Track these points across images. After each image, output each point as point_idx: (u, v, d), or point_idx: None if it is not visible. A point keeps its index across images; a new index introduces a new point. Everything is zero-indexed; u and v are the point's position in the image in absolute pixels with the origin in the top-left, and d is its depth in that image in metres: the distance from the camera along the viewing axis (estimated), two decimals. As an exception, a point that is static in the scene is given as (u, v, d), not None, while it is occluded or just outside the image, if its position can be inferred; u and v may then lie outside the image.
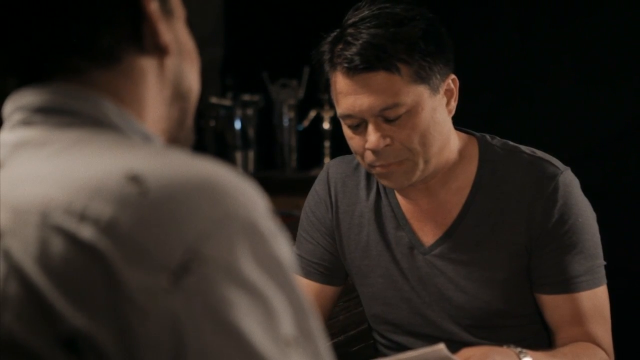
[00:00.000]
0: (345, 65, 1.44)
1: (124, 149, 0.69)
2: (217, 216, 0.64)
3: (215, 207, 0.64)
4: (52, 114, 0.72)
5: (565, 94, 2.93)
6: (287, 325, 0.65)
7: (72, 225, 0.63)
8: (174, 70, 0.79)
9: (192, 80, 0.82)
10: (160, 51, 0.77)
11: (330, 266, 1.66)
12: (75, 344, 0.62)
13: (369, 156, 1.47)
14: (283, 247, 0.67)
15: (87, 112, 0.72)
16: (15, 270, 0.63)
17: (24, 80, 0.75)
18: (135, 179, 0.64)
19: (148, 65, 0.77)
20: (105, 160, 0.67)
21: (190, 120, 0.83)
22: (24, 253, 0.63)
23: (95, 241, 0.62)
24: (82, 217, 0.63)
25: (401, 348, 1.62)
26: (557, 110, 2.94)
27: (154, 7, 0.76)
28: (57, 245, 0.63)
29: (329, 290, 1.67)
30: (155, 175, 0.64)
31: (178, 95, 0.80)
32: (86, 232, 0.63)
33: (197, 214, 0.63)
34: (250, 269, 0.64)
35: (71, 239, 0.63)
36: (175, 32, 0.79)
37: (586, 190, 1.55)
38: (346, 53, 1.44)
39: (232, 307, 0.62)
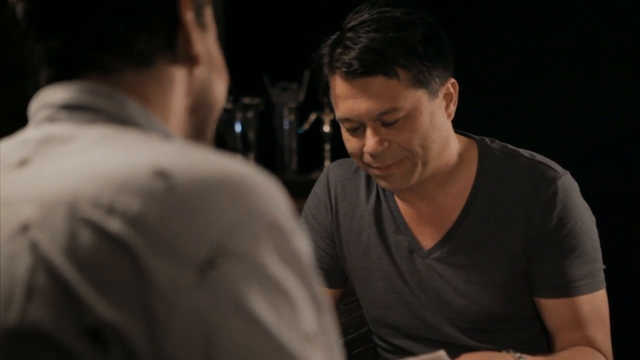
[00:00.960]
0: (344, 69, 1.44)
1: (149, 145, 0.70)
2: (242, 213, 0.65)
3: (240, 203, 0.65)
4: (77, 111, 0.74)
5: (565, 98, 2.93)
6: (308, 320, 0.67)
7: (100, 218, 0.64)
8: (202, 80, 0.81)
9: (219, 93, 0.84)
10: (191, 60, 0.79)
11: (330, 269, 1.66)
12: (102, 336, 0.62)
13: (367, 158, 1.48)
14: (304, 244, 0.69)
15: (111, 110, 0.74)
16: (43, 262, 0.64)
17: (57, 73, 0.77)
18: (162, 175, 0.65)
19: (178, 73, 0.79)
20: (132, 156, 0.68)
21: (211, 131, 0.85)
22: (52, 245, 0.64)
23: (124, 234, 0.63)
24: (110, 210, 0.64)
25: (401, 351, 1.62)
26: (557, 114, 2.94)
27: (190, 17, 0.78)
28: (85, 237, 0.64)
29: (329, 293, 1.67)
30: (181, 171, 0.66)
31: (203, 105, 0.82)
32: (114, 225, 0.63)
33: (223, 211, 0.65)
34: (274, 265, 0.65)
35: (99, 231, 0.64)
36: (207, 45, 0.82)
37: (586, 194, 1.55)
38: (345, 57, 1.44)
39: (257, 301, 0.64)
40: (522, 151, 1.56)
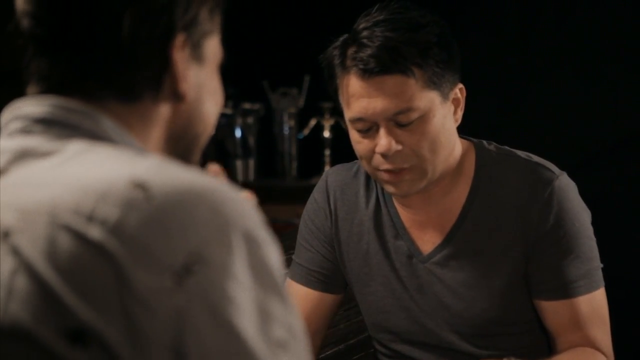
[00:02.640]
0: (361, 67, 1.42)
1: (125, 158, 0.73)
2: (218, 223, 0.68)
3: (215, 214, 0.69)
4: (53, 126, 0.76)
5: (565, 102, 2.93)
6: (279, 328, 0.70)
7: (81, 225, 0.67)
8: (187, 114, 0.83)
9: (206, 122, 0.85)
10: (177, 98, 0.81)
11: (329, 274, 1.66)
12: (82, 337, 0.65)
13: (377, 159, 1.46)
14: (275, 255, 0.72)
15: (87, 126, 0.76)
16: (25, 266, 0.66)
17: (43, 92, 0.79)
18: (140, 186, 0.68)
19: (163, 110, 0.81)
20: (110, 168, 0.71)
21: (195, 159, 0.86)
22: (33, 249, 0.66)
23: (104, 241, 0.66)
24: (90, 218, 0.67)
25: (401, 357, 1.62)
26: (557, 118, 2.94)
27: (180, 55, 0.80)
28: (66, 242, 0.66)
29: (329, 298, 1.66)
30: (159, 183, 0.69)
31: (186, 135, 0.84)
32: (94, 232, 0.66)
33: (199, 221, 0.68)
34: (246, 274, 0.68)
35: (80, 237, 0.66)
36: (201, 77, 0.83)
37: (585, 196, 1.55)
38: (361, 55, 1.42)
39: (229, 307, 0.67)
40: (519, 152, 1.56)
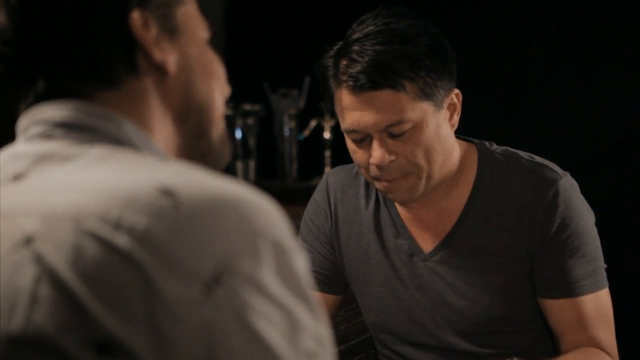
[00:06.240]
0: (351, 83, 1.43)
1: (150, 164, 0.71)
2: (246, 232, 0.67)
3: (244, 223, 0.67)
4: (74, 130, 0.74)
5: (566, 104, 2.93)
6: (308, 338, 0.68)
7: (107, 232, 0.65)
8: (180, 86, 0.80)
9: (207, 93, 0.83)
10: (158, 71, 0.79)
11: (330, 275, 1.66)
12: (108, 348, 0.63)
13: (374, 170, 1.47)
14: (302, 263, 0.70)
15: (109, 130, 0.75)
16: (48, 274, 0.64)
17: (34, 100, 0.77)
18: (167, 193, 0.66)
19: (148, 85, 0.79)
20: (135, 174, 0.69)
21: (213, 132, 0.84)
22: (58, 257, 0.65)
23: (131, 249, 0.64)
24: (117, 225, 0.65)
25: (402, 357, 1.62)
26: (558, 119, 2.94)
27: (145, 33, 0.78)
28: (92, 250, 0.64)
29: (329, 299, 1.67)
30: (186, 191, 0.67)
31: (191, 109, 0.82)
32: (122, 240, 0.64)
33: (227, 230, 0.66)
34: (275, 283, 0.67)
35: (106, 245, 0.64)
36: (183, 48, 0.81)
37: (588, 198, 1.55)
38: (351, 70, 1.43)
39: (258, 317, 0.65)
40: (522, 153, 1.57)
